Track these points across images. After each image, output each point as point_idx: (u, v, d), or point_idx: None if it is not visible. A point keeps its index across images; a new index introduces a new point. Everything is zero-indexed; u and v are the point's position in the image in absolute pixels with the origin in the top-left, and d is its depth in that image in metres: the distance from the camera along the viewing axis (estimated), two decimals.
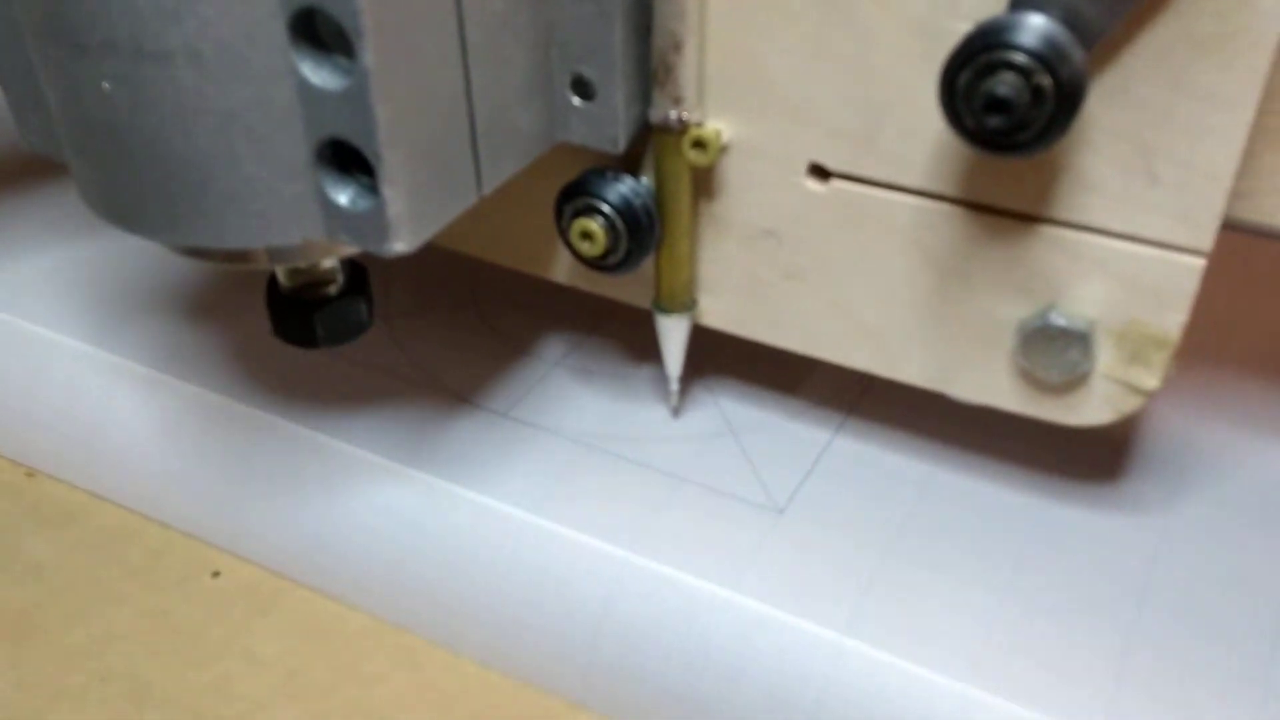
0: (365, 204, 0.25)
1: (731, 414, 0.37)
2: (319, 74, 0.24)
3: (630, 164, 0.31)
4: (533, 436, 0.36)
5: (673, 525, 0.33)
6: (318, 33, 0.24)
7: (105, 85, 0.25)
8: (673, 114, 0.29)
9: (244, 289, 0.41)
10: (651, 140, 0.30)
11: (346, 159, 0.25)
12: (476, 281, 0.42)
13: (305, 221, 0.26)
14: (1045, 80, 0.23)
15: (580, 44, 0.28)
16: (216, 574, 0.37)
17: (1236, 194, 0.28)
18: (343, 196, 0.26)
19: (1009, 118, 0.23)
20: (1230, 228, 0.29)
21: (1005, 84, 0.23)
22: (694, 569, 0.32)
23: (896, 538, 0.33)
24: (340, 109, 0.24)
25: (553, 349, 0.40)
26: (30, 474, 0.40)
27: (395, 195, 0.25)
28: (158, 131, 0.25)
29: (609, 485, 0.34)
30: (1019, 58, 0.23)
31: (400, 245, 0.26)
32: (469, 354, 0.39)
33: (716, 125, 0.30)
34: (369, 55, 0.23)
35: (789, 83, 0.29)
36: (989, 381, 0.31)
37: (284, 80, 0.24)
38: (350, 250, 0.29)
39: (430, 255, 0.30)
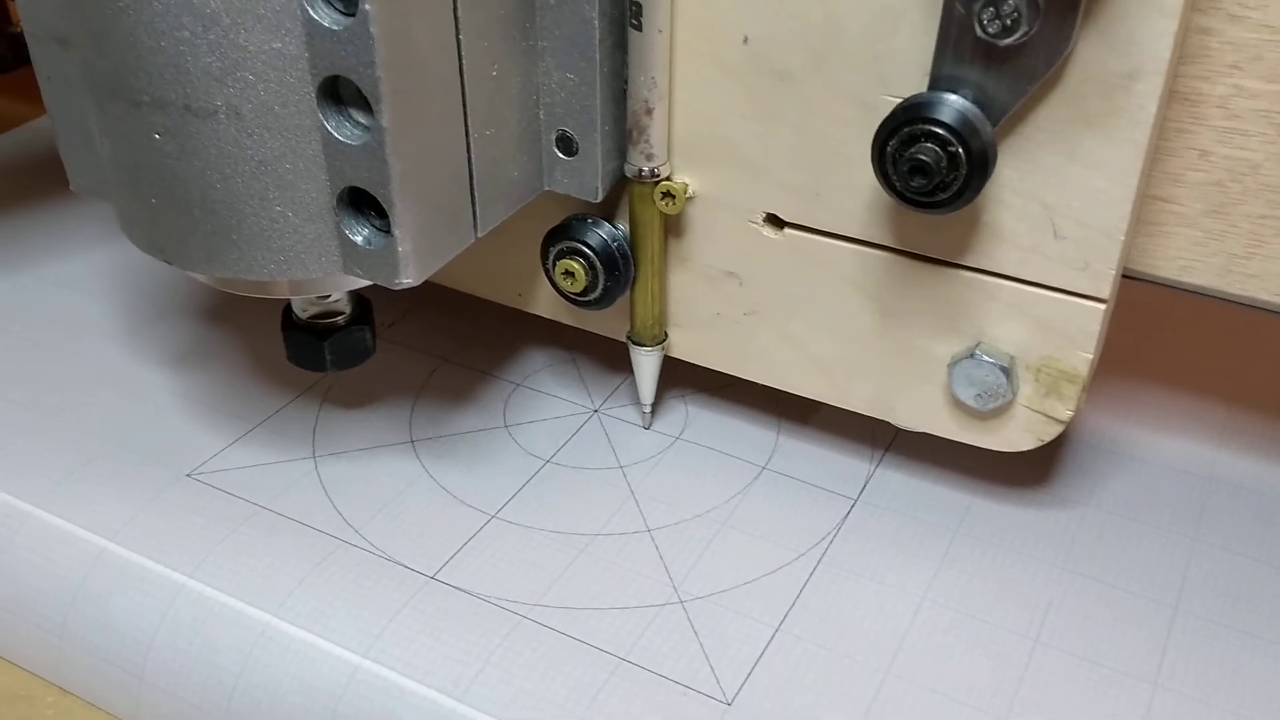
0: (378, 243, 0.29)
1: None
2: (342, 130, 0.28)
3: (608, 210, 0.35)
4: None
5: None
6: (340, 95, 0.28)
7: (156, 136, 0.29)
8: (645, 168, 0.33)
9: None
10: (627, 190, 0.34)
11: (362, 203, 0.29)
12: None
13: (324, 258, 0.30)
14: (959, 149, 0.27)
15: (564, 107, 0.32)
16: None
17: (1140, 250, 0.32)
18: (359, 236, 0.29)
19: (929, 180, 0.28)
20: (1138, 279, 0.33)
21: (926, 152, 0.27)
22: None
23: None
24: (360, 161, 0.28)
25: None
26: None
27: (405, 236, 0.29)
28: (200, 176, 0.29)
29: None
30: (937, 130, 0.27)
31: (408, 279, 0.30)
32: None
33: (684, 179, 0.34)
34: (386, 116, 0.27)
35: (746, 144, 0.33)
36: (927, 411, 0.34)
37: (311, 135, 0.28)
38: (362, 283, 0.33)
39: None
